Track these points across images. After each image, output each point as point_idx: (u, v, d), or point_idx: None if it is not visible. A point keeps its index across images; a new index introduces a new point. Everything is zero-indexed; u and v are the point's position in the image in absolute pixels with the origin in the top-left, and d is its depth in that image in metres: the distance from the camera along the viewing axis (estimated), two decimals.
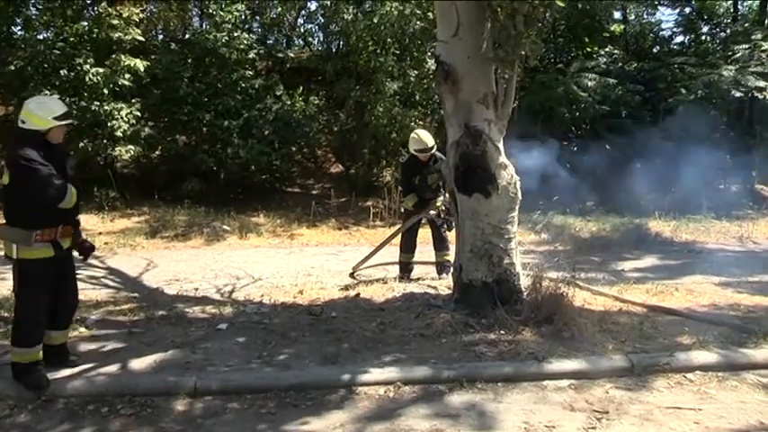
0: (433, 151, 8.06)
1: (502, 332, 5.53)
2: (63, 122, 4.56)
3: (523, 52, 5.84)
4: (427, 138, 8.07)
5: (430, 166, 8.07)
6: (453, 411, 4.34)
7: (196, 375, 4.78)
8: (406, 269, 8.34)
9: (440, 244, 8.28)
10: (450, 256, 7.80)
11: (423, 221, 8.41)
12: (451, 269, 7.02)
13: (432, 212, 8.11)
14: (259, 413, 4.35)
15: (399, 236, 8.49)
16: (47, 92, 13.30)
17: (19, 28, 15.33)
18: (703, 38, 20.35)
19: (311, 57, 17.59)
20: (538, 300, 5.93)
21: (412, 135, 8.28)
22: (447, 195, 7.76)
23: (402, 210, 9.38)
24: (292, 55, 18.40)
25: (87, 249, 4.92)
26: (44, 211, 4.46)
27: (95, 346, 5.43)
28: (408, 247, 8.36)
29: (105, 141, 13.91)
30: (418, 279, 8.17)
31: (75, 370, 4.82)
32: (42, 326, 4.61)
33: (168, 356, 5.28)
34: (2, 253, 4.67)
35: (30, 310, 4.52)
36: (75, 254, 4.89)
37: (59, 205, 4.44)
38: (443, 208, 7.98)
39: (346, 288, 7.79)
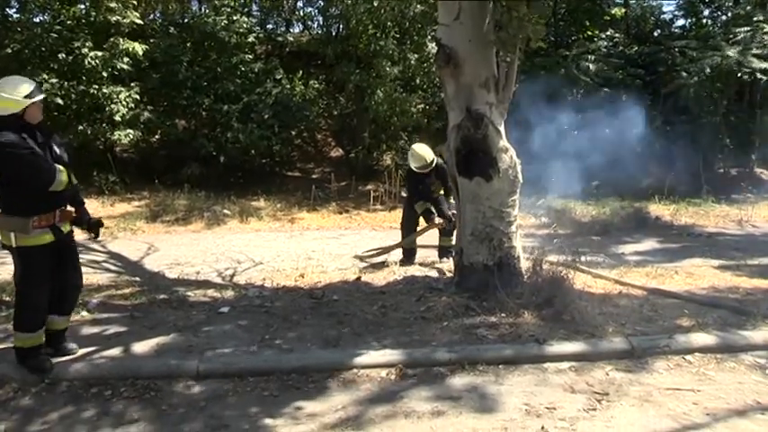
0: (434, 164, 8.13)
1: (503, 315, 5.55)
2: (35, 99, 4.35)
3: (525, 35, 5.82)
4: (426, 153, 8.12)
5: (432, 176, 8.19)
6: (455, 393, 4.36)
7: (198, 358, 4.81)
8: (409, 253, 8.42)
9: (444, 230, 8.33)
10: (453, 241, 7.85)
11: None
12: (453, 253, 7.06)
13: (438, 221, 8.20)
14: (261, 396, 4.38)
15: (400, 219, 8.70)
16: (45, 75, 13.23)
17: (14, 10, 15.23)
18: (704, 21, 20.22)
19: (311, 40, 17.51)
20: (538, 283, 5.95)
21: (410, 152, 8.35)
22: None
23: (405, 194, 9.49)
24: (292, 39, 18.32)
25: (95, 225, 4.82)
26: (39, 196, 4.37)
27: (97, 330, 5.45)
28: (410, 231, 8.46)
29: (104, 125, 13.87)
30: (420, 263, 8.20)
31: (79, 353, 4.84)
32: (44, 311, 4.59)
33: (170, 340, 5.31)
34: None
35: (31, 296, 4.49)
36: (81, 236, 4.85)
37: (50, 188, 4.36)
38: (452, 212, 7.99)
39: (357, 270, 7.84)
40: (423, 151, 8.15)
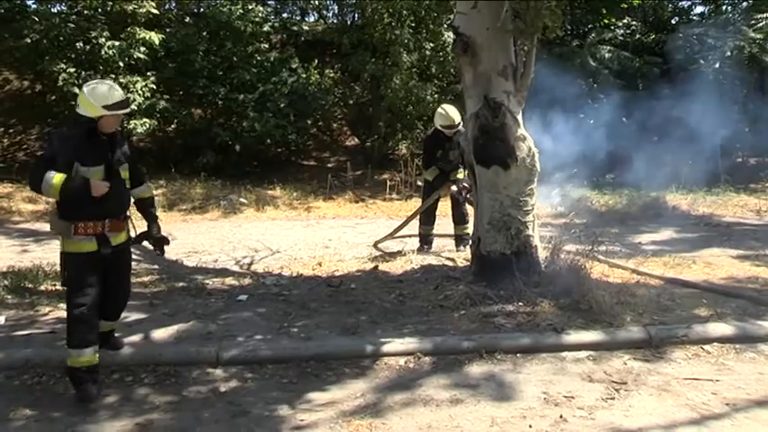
0: (459, 127, 7.99)
1: (520, 304, 5.56)
2: (113, 113, 4.20)
3: (543, 24, 5.78)
4: (454, 114, 8.00)
5: (453, 142, 8.05)
6: (473, 382, 4.39)
7: (218, 346, 4.87)
8: (426, 241, 8.40)
9: (459, 217, 8.30)
10: (470, 229, 7.84)
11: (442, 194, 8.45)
12: (470, 242, 7.06)
13: (453, 189, 8.12)
14: (281, 383, 4.43)
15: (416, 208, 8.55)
16: (63, 65, 13.32)
17: (33, 1, 15.35)
18: (724, 8, 19.95)
19: (326, 29, 17.45)
20: (556, 272, 5.96)
21: (439, 110, 8.23)
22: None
23: (421, 182, 9.40)
24: (307, 28, 18.29)
25: (160, 241, 4.69)
26: (81, 201, 4.16)
27: None
28: (428, 219, 8.41)
29: None
30: (437, 252, 8.19)
31: None
32: (93, 326, 4.33)
33: (190, 327, 5.37)
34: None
35: (75, 305, 4.23)
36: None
37: (42, 193, 4.19)
38: (464, 185, 7.94)
39: (375, 259, 7.85)
40: (452, 111, 8.03)
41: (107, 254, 4.29)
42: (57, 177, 4.04)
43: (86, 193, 4.11)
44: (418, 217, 8.48)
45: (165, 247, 4.78)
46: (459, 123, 7.93)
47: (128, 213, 4.48)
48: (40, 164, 4.19)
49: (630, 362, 4.70)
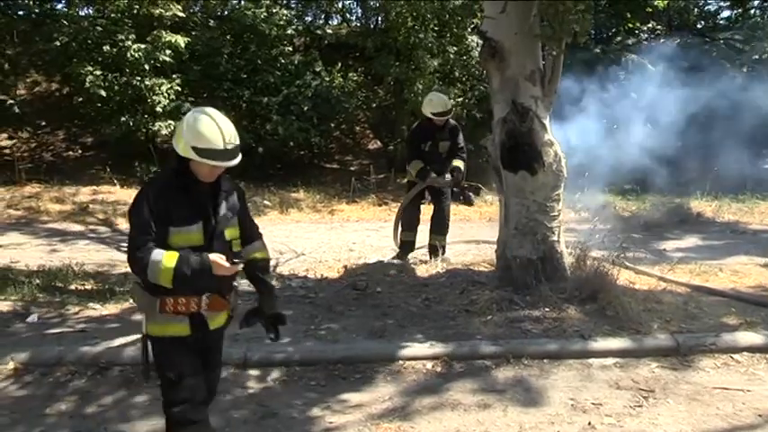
0: (450, 116, 7.61)
1: (546, 309, 5.55)
2: (204, 161, 3.04)
3: (571, 29, 5.77)
4: (445, 100, 7.69)
5: (444, 132, 7.56)
6: (500, 387, 4.40)
7: (245, 347, 4.90)
8: (404, 247, 7.88)
9: (438, 226, 7.79)
10: (446, 240, 7.79)
11: (426, 199, 7.91)
12: (445, 254, 7.40)
13: (440, 181, 7.51)
14: (308, 385, 4.47)
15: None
16: (90, 67, 13.47)
17: (62, 5, 15.60)
18: (752, 12, 19.74)
19: (350, 33, 17.53)
20: (582, 278, 5.94)
21: (427, 97, 7.84)
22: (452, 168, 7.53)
23: (405, 181, 8.80)
24: (331, 31, 18.36)
25: (275, 320, 3.50)
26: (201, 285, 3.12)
27: None
28: (409, 223, 7.88)
29: (146, 117, 14.08)
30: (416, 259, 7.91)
31: (130, 339, 4.93)
32: (201, 403, 3.24)
33: None
34: None
35: (174, 405, 3.18)
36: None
37: (149, 280, 3.01)
38: (461, 178, 7.50)
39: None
40: (442, 97, 7.69)
41: (202, 340, 3.23)
42: (167, 260, 2.96)
43: (208, 275, 3.05)
44: (401, 222, 7.97)
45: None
46: (451, 109, 7.60)
47: (235, 284, 3.43)
48: (136, 237, 3.05)
49: (658, 370, 4.68)
